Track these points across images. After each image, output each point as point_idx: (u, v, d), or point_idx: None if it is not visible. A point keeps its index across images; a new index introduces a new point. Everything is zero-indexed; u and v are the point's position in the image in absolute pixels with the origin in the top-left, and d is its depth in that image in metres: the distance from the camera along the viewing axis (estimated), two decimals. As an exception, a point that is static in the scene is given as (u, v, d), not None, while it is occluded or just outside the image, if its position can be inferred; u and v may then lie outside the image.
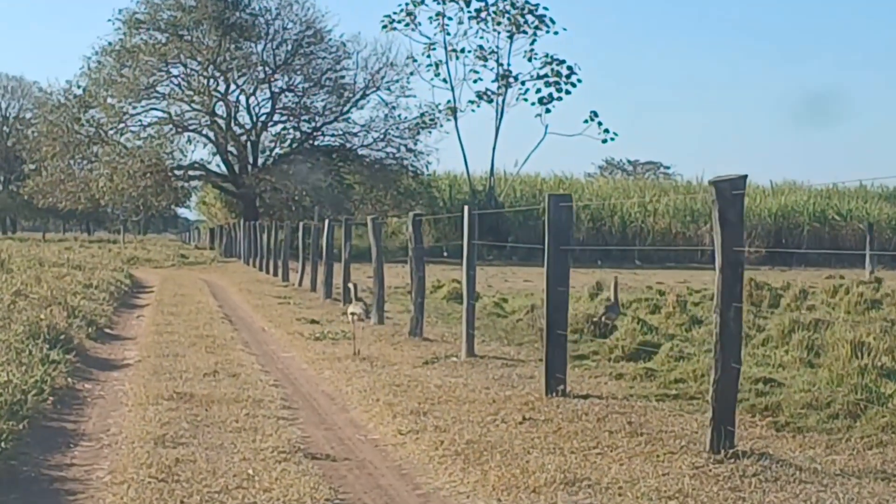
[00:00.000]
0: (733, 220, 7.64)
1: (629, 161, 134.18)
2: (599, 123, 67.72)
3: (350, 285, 23.95)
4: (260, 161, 64.92)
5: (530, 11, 66.99)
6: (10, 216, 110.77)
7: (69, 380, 12.00)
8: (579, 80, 67.36)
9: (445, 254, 54.70)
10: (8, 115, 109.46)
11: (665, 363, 12.28)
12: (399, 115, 65.55)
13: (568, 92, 67.06)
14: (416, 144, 65.76)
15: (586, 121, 67.64)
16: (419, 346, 15.61)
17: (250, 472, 7.83)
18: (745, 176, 7.63)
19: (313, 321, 19.72)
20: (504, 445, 8.57)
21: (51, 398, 10.48)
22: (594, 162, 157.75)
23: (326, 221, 26.16)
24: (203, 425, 9.51)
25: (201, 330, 17.91)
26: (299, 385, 12.56)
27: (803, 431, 8.96)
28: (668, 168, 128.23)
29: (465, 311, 13.99)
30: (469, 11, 67.27)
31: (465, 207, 13.74)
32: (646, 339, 13.58)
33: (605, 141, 68.58)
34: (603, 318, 15.90)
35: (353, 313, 18.16)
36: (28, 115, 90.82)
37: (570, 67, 66.95)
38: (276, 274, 36.01)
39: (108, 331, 18.32)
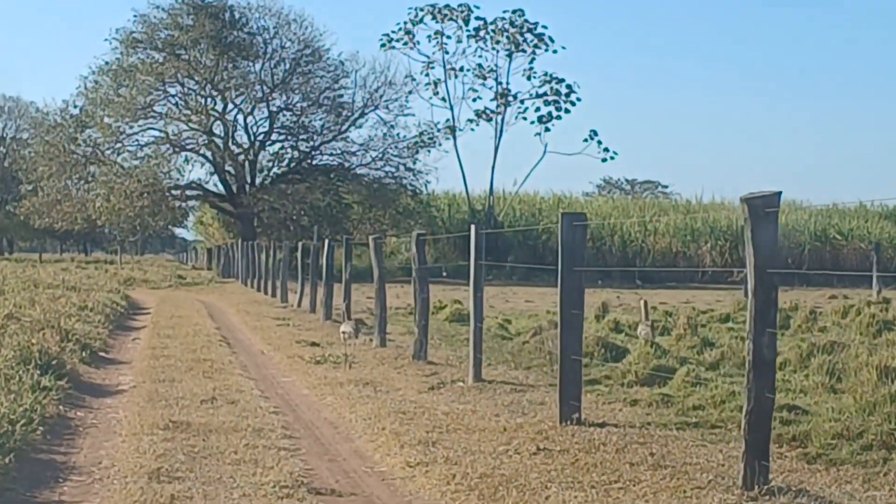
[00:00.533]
0: (767, 240, 7.18)
1: (627, 180, 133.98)
2: (599, 142, 67.38)
3: (343, 304, 23.79)
4: (258, 181, 64.47)
5: (529, 30, 66.68)
6: (6, 237, 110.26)
7: (61, 407, 11.52)
8: (578, 99, 67.08)
9: (445, 274, 54.27)
10: (5, 135, 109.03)
11: (681, 388, 11.78)
12: (398, 134, 65.29)
13: (567, 111, 66.76)
14: (414, 163, 65.43)
15: (586, 139, 67.30)
16: (423, 369, 15.12)
17: (251, 510, 7.36)
18: (779, 193, 7.17)
19: (313, 343, 19.23)
20: (519, 479, 8.08)
21: (40, 428, 9.99)
22: (592, 181, 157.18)
23: (326, 241, 25.67)
24: (200, 457, 9.01)
25: (198, 353, 17.41)
26: (300, 412, 12.07)
27: (837, 464, 8.46)
28: (665, 187, 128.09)
29: (472, 334, 13.51)
30: (468, 30, 67.02)
31: (472, 227, 13.28)
32: (659, 363, 13.06)
33: (604, 160, 68.22)
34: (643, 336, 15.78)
35: (343, 332, 19.00)
36: (25, 136, 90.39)
37: (569, 86, 66.65)
38: (274, 295, 35.51)
39: (102, 354, 17.82)
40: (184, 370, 14.99)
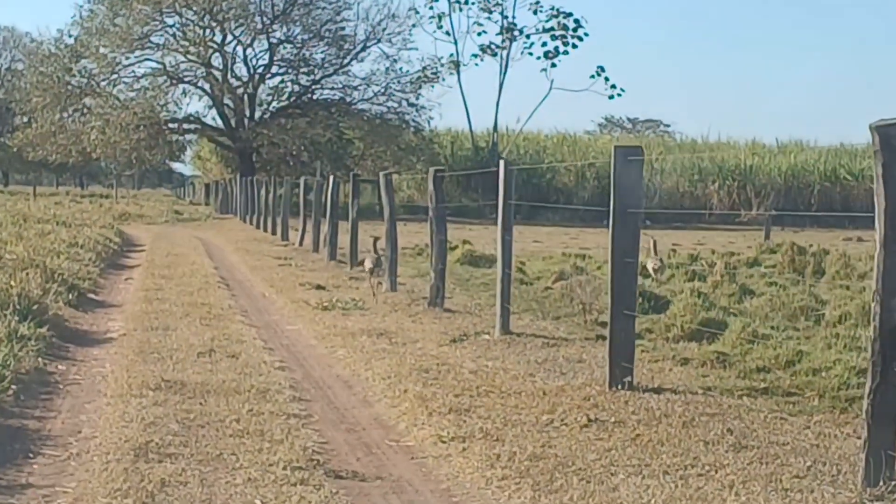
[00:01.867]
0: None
1: (629, 119, 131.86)
2: (606, 79, 65.86)
3: (371, 237, 22.70)
4: (257, 115, 62.89)
5: (537, -39, 64.91)
6: (1, 170, 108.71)
7: (40, 360, 10.20)
8: (586, 34, 65.55)
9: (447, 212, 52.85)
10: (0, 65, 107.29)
11: (737, 346, 10.47)
12: (400, 69, 63.56)
13: (575, 46, 65.24)
14: (417, 99, 63.80)
15: (593, 76, 65.86)
16: (441, 319, 13.83)
17: (258, 502, 6.07)
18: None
19: (319, 286, 17.94)
20: (576, 462, 6.79)
21: (13, 387, 8.70)
22: (594, 119, 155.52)
23: (331, 177, 24.30)
24: (196, 426, 7.72)
25: (195, 296, 16.12)
26: (310, 368, 10.78)
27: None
28: (667, 126, 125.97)
29: (499, 282, 12.18)
30: (474, -38, 65.24)
31: (502, 162, 11.92)
32: (708, 315, 11.73)
33: (611, 97, 66.91)
34: (655, 276, 16.71)
35: (369, 269, 18.24)
36: (20, 67, 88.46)
37: (577, 21, 65.12)
38: (274, 232, 34.15)
39: (91, 296, 16.52)
40: (179, 316, 13.70)
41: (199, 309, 14.52)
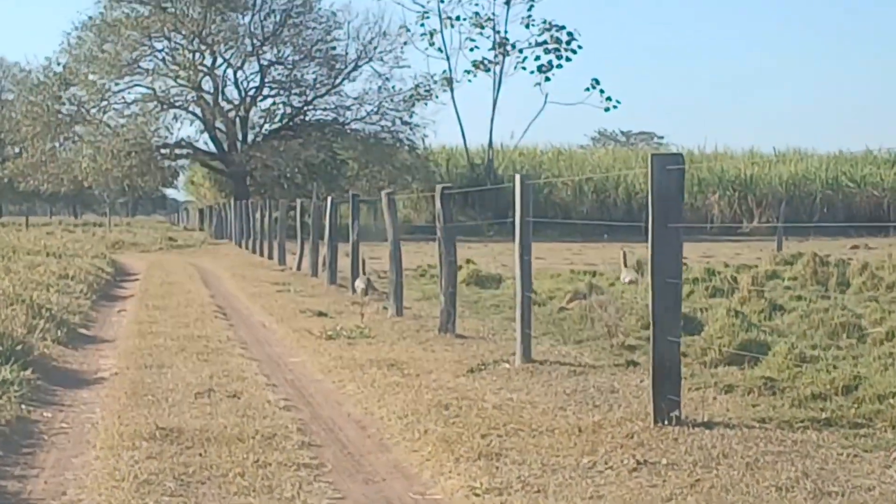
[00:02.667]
0: None
1: (622, 132, 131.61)
2: (601, 91, 65.06)
3: (347, 263, 22.84)
4: (249, 138, 62.05)
5: (528, -25, 64.17)
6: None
7: (23, 407, 9.32)
8: (580, 47, 64.82)
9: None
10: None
11: (784, 370, 9.58)
12: (393, 87, 62.81)
13: (568, 59, 64.53)
14: (411, 117, 63.02)
15: (587, 88, 65.04)
16: (454, 346, 12.95)
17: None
18: None
19: (321, 313, 17.06)
20: (635, 517, 5.91)
21: (-9, 441, 7.82)
22: (587, 133, 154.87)
23: (330, 198, 23.43)
24: (196, 483, 6.83)
25: (192, 328, 15.24)
26: (318, 407, 9.89)
27: None
28: (661, 138, 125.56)
29: (519, 306, 11.29)
30: (464, -23, 64.49)
31: (518, 177, 11.03)
32: (748, 336, 10.84)
33: (607, 109, 65.98)
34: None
35: (358, 287, 19.60)
36: (10, 97, 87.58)
37: (570, 33, 64.36)
38: (271, 257, 33.28)
39: (82, 331, 15.62)
40: (175, 351, 12.82)
41: (196, 342, 13.64)
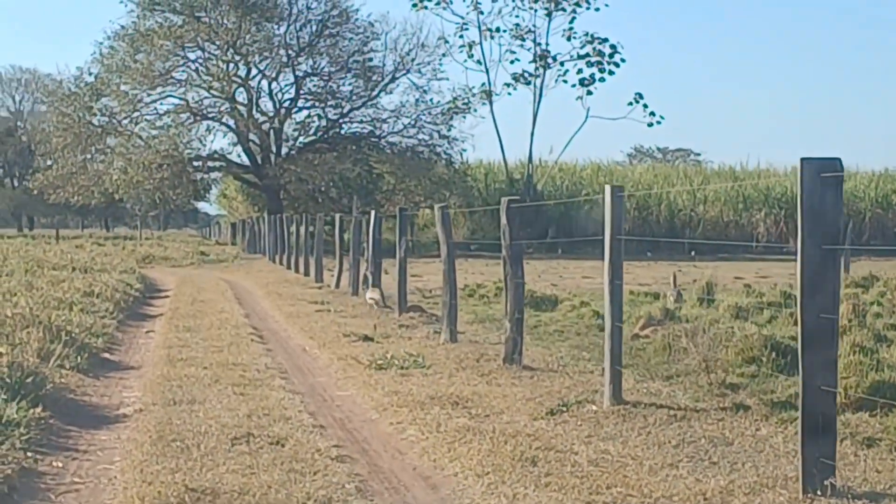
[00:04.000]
0: None
1: (658, 148, 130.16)
2: (645, 106, 63.38)
3: (367, 273, 22.13)
4: (283, 151, 60.61)
5: (570, -14, 62.62)
6: (26, 213, 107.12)
7: (29, 455, 7.86)
8: (623, 60, 63.09)
9: (474, 247, 50.56)
10: (22, 108, 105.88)
11: (934, 419, 8.02)
12: (431, 100, 61.20)
13: (611, 72, 62.80)
14: (449, 130, 61.35)
15: (630, 103, 63.31)
16: (522, 379, 11.44)
17: None
18: None
19: (366, 338, 15.56)
20: None
21: (-16, 505, 6.35)
22: (622, 149, 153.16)
23: (373, 213, 21.95)
24: (236, 573, 5.34)
25: (226, 354, 13.78)
26: (376, 457, 8.38)
27: None
28: (698, 155, 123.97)
29: (608, 339, 9.73)
30: (504, -12, 62.98)
31: (607, 189, 9.50)
32: (879, 377, 9.25)
33: (650, 125, 64.28)
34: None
35: (371, 298, 19.47)
36: (43, 108, 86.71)
37: (612, 46, 62.66)
38: (307, 273, 31.76)
39: (106, 356, 14.18)
40: (208, 382, 11.35)
41: (231, 371, 12.17)
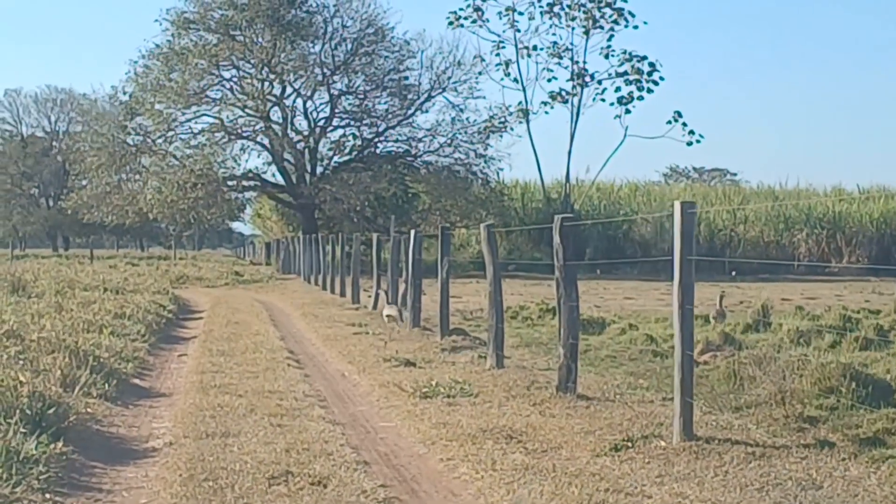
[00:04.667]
0: None
1: (694, 168, 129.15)
2: (684, 125, 62.40)
3: (381, 291, 21.80)
4: (318, 170, 59.91)
5: (608, 4, 61.82)
6: (61, 233, 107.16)
7: (47, 496, 7.17)
8: (661, 78, 62.10)
9: (511, 267, 49.81)
10: (57, 128, 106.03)
11: None
12: (467, 119, 60.30)
13: (650, 90, 61.82)
14: (485, 150, 60.47)
15: (669, 121, 62.35)
16: (578, 409, 10.67)
17: None
18: None
19: (408, 362, 14.85)
20: None
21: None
22: (657, 169, 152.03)
23: (413, 232, 21.23)
24: None
25: (261, 380, 13.08)
26: (428, 500, 7.64)
27: None
28: (734, 175, 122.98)
29: (678, 369, 8.93)
30: (541, 6, 62.16)
31: (678, 204, 8.71)
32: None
33: (689, 143, 63.21)
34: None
35: (388, 315, 19.73)
36: (78, 129, 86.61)
37: (651, 64, 61.67)
38: (343, 294, 31.04)
39: (136, 382, 13.51)
40: (243, 412, 10.64)
41: (268, 400, 11.46)
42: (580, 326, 19.23)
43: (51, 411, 9.07)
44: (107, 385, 11.83)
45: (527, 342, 17.45)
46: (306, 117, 59.74)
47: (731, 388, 11.35)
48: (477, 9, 62.76)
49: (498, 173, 61.35)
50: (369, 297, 27.72)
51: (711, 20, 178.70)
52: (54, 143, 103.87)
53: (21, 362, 11.26)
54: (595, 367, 14.19)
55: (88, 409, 10.36)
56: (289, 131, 58.59)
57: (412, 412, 10.96)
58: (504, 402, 11.28)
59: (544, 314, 22.51)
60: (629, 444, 8.73)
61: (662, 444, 8.68)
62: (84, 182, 64.38)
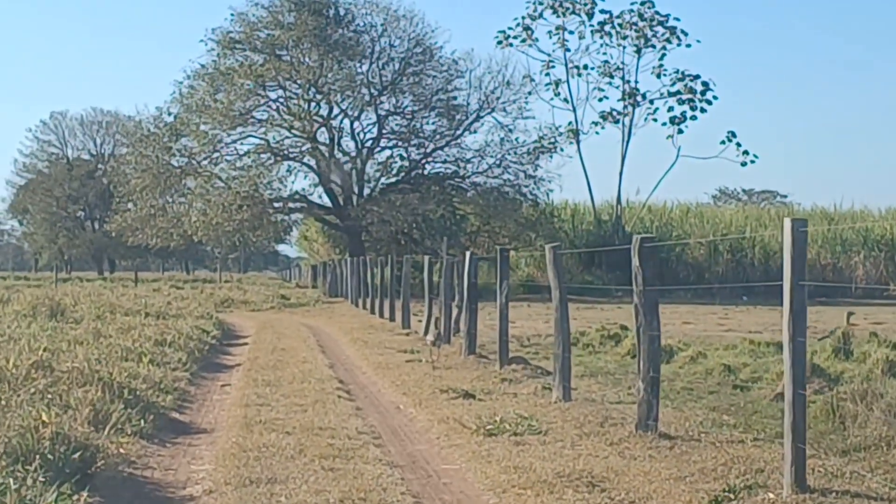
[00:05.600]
0: None
1: (744, 190, 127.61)
2: (738, 144, 61.11)
3: (436, 319, 21.28)
4: (365, 192, 58.94)
5: (660, 23, 60.72)
6: (107, 256, 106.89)
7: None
8: (715, 97, 60.89)
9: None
10: (103, 151, 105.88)
11: None
12: (516, 139, 59.23)
13: (703, 110, 60.62)
14: (535, 171, 59.34)
15: (723, 141, 61.11)
16: (661, 450, 9.58)
17: None
18: None
19: (467, 394, 13.80)
20: None
21: None
22: (706, 191, 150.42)
23: (468, 254, 20.19)
24: None
25: (310, 414, 12.08)
26: (507, 565, 6.58)
27: None
28: (784, 197, 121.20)
29: (789, 410, 7.81)
30: (592, 25, 61.25)
31: (788, 222, 7.65)
32: None
33: (744, 164, 61.86)
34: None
35: (430, 340, 19.64)
36: (124, 151, 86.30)
37: (705, 83, 60.52)
38: (392, 318, 30.02)
39: (175, 416, 12.53)
40: (291, 453, 9.62)
41: (318, 438, 10.44)
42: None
43: (76, 455, 8.08)
44: (143, 421, 10.85)
45: (592, 372, 16.39)
46: (353, 138, 58.93)
47: (831, 427, 10.21)
48: (526, 28, 61.91)
49: (548, 194, 60.24)
50: (419, 321, 26.74)
51: (759, 38, 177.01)
52: (100, 166, 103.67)
53: (49, 397, 10.29)
54: (671, 400, 13.08)
55: (121, 450, 9.39)
56: (336, 152, 57.76)
57: (477, 452, 9.92)
58: (577, 442, 10.22)
59: (606, 341, 21.43)
60: (731, 496, 7.64)
61: (771, 496, 7.58)
62: (129, 205, 63.65)
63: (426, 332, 24.78)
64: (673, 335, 24.32)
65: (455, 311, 22.36)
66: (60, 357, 13.09)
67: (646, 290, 10.45)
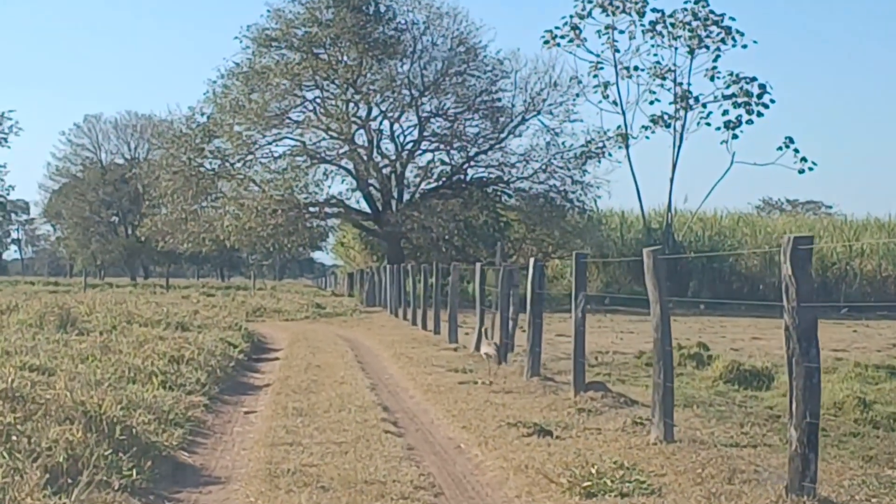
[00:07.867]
0: None
1: (788, 200, 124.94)
2: (796, 151, 58.29)
3: (484, 329, 20.44)
4: (405, 197, 56.36)
5: (715, 23, 57.98)
6: (141, 262, 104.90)
7: None
8: (772, 101, 58.09)
9: (607, 301, 46.02)
10: (137, 155, 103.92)
11: None
12: (563, 143, 56.45)
13: (760, 114, 57.81)
14: (582, 176, 56.54)
15: (780, 148, 58.30)
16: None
17: None
18: None
19: (540, 429, 11.23)
20: None
21: None
22: (750, 202, 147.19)
23: (533, 260, 17.61)
24: None
25: (351, 458, 9.56)
26: None
27: None
28: (829, 207, 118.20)
29: None
30: (643, 24, 58.65)
31: None
32: None
33: (801, 171, 58.97)
34: None
35: (486, 353, 18.22)
36: (157, 155, 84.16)
37: (762, 86, 57.75)
38: (436, 331, 27.38)
39: (183, 456, 10.00)
40: (327, 522, 7.07)
41: (362, 497, 7.89)
42: (741, 379, 15.61)
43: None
44: (135, 470, 8.31)
45: (685, 401, 13.73)
46: (393, 140, 56.25)
47: None
48: (574, 27, 59.35)
49: (595, 201, 57.49)
50: (465, 334, 24.21)
51: (816, 39, 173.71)
52: (133, 170, 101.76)
53: (13, 439, 7.80)
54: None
55: (98, 518, 6.86)
56: (374, 155, 55.13)
57: (576, 522, 7.35)
58: (669, 484, 7.63)
59: (685, 361, 18.79)
60: None
61: None
62: (164, 210, 61.29)
63: (477, 347, 22.18)
64: (752, 353, 21.73)
65: (510, 325, 19.87)
66: (42, 383, 10.56)
67: (800, 306, 7.86)
